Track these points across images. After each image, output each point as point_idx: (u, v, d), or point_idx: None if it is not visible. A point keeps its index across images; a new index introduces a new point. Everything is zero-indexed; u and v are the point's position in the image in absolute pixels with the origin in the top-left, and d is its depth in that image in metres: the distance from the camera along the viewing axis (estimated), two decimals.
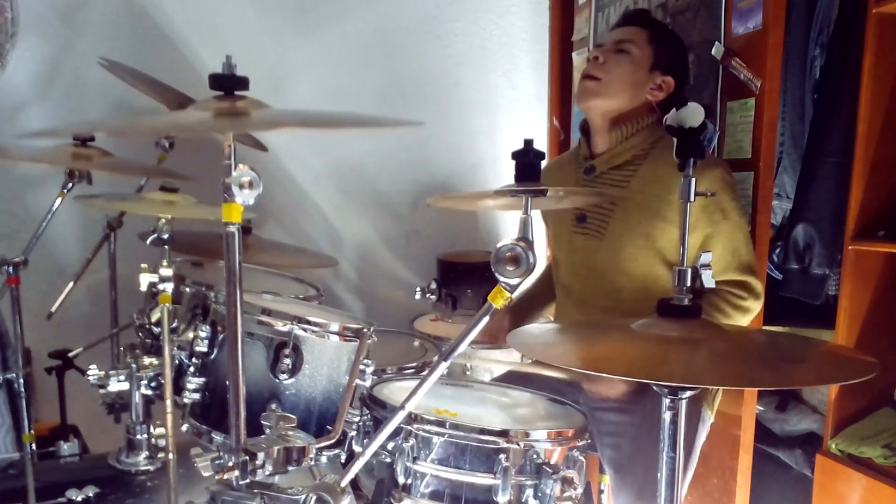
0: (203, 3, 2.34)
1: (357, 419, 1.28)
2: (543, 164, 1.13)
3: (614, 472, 1.63)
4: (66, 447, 1.72)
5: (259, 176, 0.93)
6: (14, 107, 2.13)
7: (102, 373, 1.54)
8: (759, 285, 1.59)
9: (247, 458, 1.02)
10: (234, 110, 0.96)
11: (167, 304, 1.30)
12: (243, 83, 1.00)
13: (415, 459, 1.17)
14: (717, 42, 1.83)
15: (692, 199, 1.10)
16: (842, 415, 1.78)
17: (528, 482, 1.16)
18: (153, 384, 1.56)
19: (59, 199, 1.82)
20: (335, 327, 1.35)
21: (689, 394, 1.05)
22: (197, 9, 2.33)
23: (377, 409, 1.28)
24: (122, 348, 1.67)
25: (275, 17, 2.44)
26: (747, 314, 1.60)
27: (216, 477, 1.02)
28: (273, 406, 1.30)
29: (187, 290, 1.54)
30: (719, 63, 1.84)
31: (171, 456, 1.28)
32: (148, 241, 1.40)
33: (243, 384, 1.01)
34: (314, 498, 1.00)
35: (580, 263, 1.72)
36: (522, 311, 1.95)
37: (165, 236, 1.38)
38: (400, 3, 2.60)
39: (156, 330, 1.64)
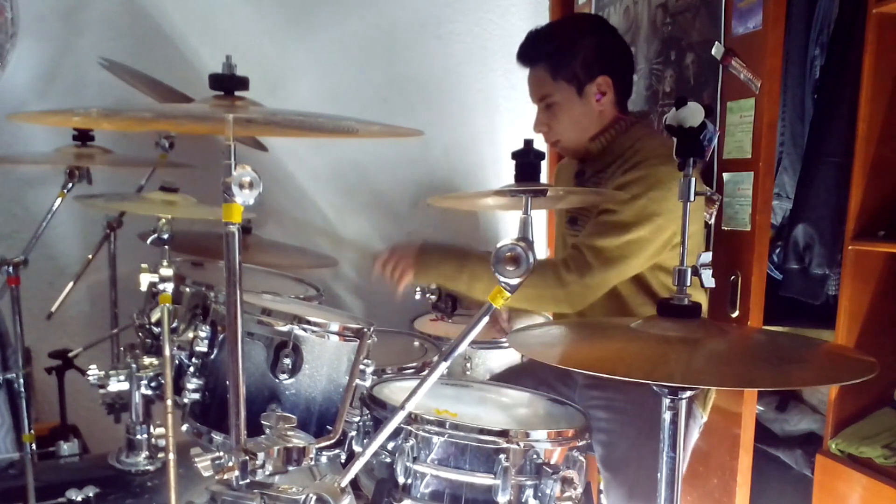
0: (203, 3, 2.34)
1: (357, 419, 1.28)
2: (543, 164, 1.13)
3: (605, 470, 1.64)
4: (66, 447, 1.72)
5: (259, 176, 0.93)
6: (14, 107, 2.13)
7: (102, 373, 1.53)
8: (594, 270, 1.53)
9: (247, 458, 1.02)
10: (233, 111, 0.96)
11: (167, 304, 1.30)
12: (243, 83, 1.01)
13: (415, 459, 1.17)
14: (717, 42, 1.83)
15: (692, 198, 1.10)
16: (842, 415, 1.78)
17: (528, 482, 1.16)
18: (153, 384, 1.55)
19: (59, 199, 1.82)
20: (335, 327, 1.35)
21: (689, 394, 1.05)
22: (197, 9, 2.32)
23: (377, 409, 1.27)
24: (122, 348, 1.66)
25: (275, 17, 2.43)
26: (559, 299, 1.55)
27: (216, 477, 1.02)
28: (273, 406, 1.30)
29: (187, 290, 1.54)
30: (719, 63, 1.83)
31: (171, 456, 1.27)
32: (148, 241, 1.40)
33: (243, 384, 1.01)
34: (314, 498, 1.00)
35: None
36: None
37: (165, 236, 1.38)
38: (400, 3, 2.59)
39: (156, 330, 1.64)
